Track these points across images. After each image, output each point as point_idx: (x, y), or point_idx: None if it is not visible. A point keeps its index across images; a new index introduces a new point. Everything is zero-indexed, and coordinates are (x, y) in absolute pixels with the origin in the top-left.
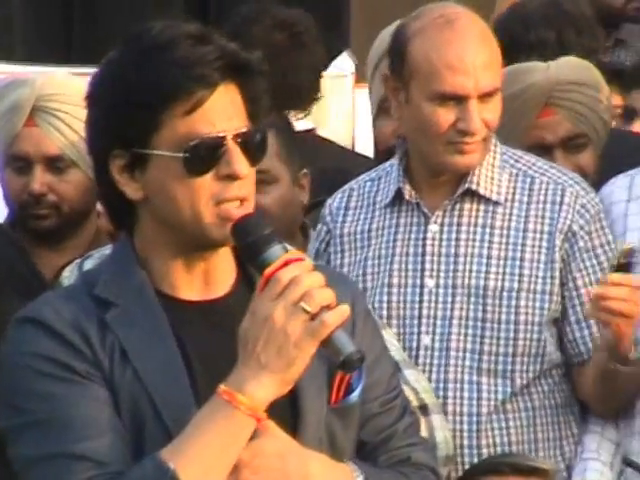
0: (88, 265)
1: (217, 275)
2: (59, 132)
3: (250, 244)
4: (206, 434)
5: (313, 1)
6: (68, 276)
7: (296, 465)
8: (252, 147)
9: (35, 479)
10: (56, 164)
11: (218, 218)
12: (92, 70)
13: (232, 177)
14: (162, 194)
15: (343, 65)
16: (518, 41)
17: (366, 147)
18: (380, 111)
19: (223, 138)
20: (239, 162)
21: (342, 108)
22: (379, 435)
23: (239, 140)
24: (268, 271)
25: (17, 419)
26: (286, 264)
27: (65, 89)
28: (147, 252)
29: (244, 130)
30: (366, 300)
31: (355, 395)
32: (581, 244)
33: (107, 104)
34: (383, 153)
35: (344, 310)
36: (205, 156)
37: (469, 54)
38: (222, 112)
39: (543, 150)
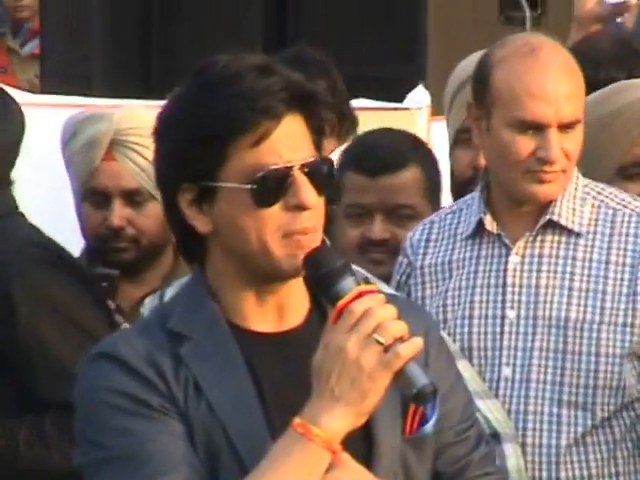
0: (169, 294)
1: (289, 307)
2: (137, 166)
3: (323, 276)
4: (281, 467)
5: (390, 34)
6: (149, 307)
7: None
8: (319, 177)
9: None
10: (134, 198)
11: (286, 250)
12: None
13: (300, 207)
14: (230, 226)
15: (418, 98)
16: (588, 80)
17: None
18: (457, 142)
19: (290, 168)
20: (307, 192)
21: None
22: (455, 465)
23: (306, 170)
24: (341, 303)
25: (94, 455)
26: (359, 296)
27: (143, 123)
28: (218, 284)
29: (311, 160)
30: (439, 329)
31: (430, 426)
32: None
33: (174, 138)
34: (460, 184)
35: (417, 342)
36: (272, 187)
37: (551, 83)
38: (288, 143)
39: None
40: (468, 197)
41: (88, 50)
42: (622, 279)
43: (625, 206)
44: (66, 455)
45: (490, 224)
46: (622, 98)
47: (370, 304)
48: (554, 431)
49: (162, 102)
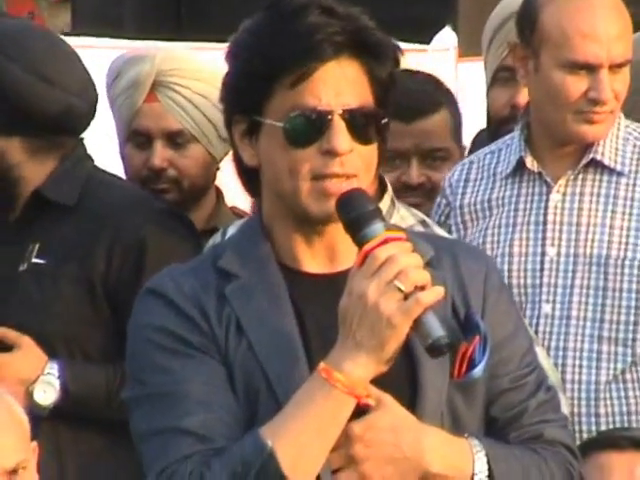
0: (230, 232)
1: (341, 249)
2: (180, 107)
3: (353, 219)
4: (304, 411)
5: None
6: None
7: (410, 439)
8: (361, 124)
9: (145, 452)
10: (176, 139)
11: (315, 193)
12: (202, 45)
13: (331, 153)
14: (269, 163)
15: (446, 39)
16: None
17: (469, 121)
18: (495, 81)
19: (329, 112)
20: (340, 138)
21: (445, 82)
22: (510, 411)
23: (347, 117)
24: (366, 248)
25: (135, 391)
26: (385, 242)
27: (185, 64)
28: (271, 224)
29: (353, 107)
30: (500, 274)
31: (479, 370)
32: None
33: (231, 70)
34: (498, 123)
35: (439, 291)
36: (305, 129)
37: (603, 23)
38: (331, 87)
39: None
40: (507, 137)
41: None
42: None
43: None
44: None
45: (531, 162)
46: None
47: (394, 251)
48: (593, 367)
49: (193, 43)
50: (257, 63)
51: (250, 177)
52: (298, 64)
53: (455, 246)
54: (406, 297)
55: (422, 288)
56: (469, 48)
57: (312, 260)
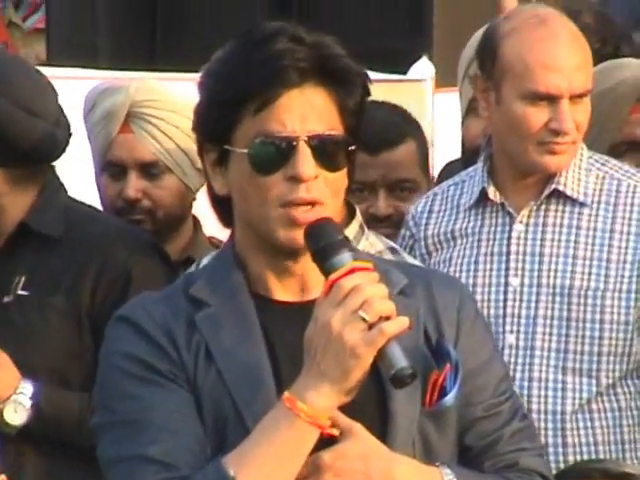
0: (205, 262)
1: (312, 278)
2: (153, 138)
3: (320, 249)
4: (267, 440)
5: (397, 5)
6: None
7: (380, 468)
8: (326, 152)
9: (111, 479)
10: (150, 170)
11: (282, 220)
12: (176, 75)
13: (296, 179)
14: (238, 192)
15: (422, 69)
16: None
17: (444, 151)
18: (469, 111)
19: (294, 139)
20: (305, 164)
21: (421, 112)
22: (484, 440)
23: (312, 143)
24: (332, 277)
25: (102, 418)
26: (351, 272)
27: (159, 95)
28: (243, 252)
29: (318, 133)
30: (476, 303)
31: (450, 398)
32: None
33: (201, 99)
34: (471, 153)
35: (403, 322)
36: (269, 155)
37: (563, 54)
38: (297, 113)
39: (633, 147)
40: (471, 169)
41: (94, 22)
42: (627, 247)
43: (629, 177)
44: None
45: (493, 193)
46: (614, 77)
47: (360, 281)
48: (559, 397)
49: (167, 74)
50: (223, 90)
51: (223, 207)
52: (263, 90)
53: (429, 274)
54: (370, 327)
55: (387, 318)
56: (444, 78)
57: (283, 289)
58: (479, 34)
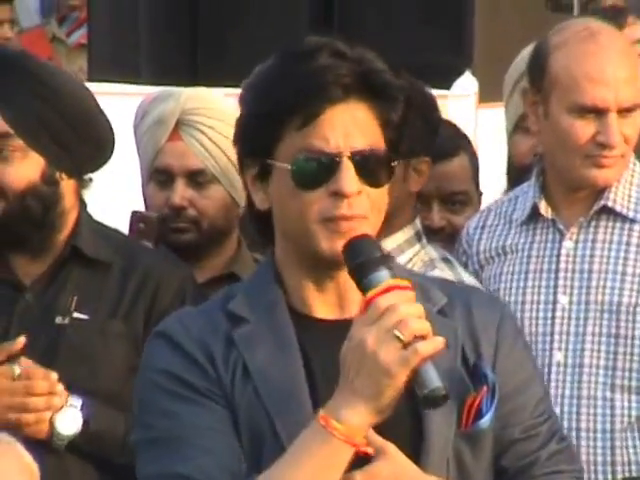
0: None
1: (351, 295)
2: (202, 146)
3: (358, 265)
4: (302, 459)
5: (438, 21)
6: None
7: None
8: (369, 167)
9: None
10: (197, 179)
11: (325, 234)
12: (218, 91)
13: (339, 194)
14: (279, 207)
15: (466, 85)
16: None
17: (487, 166)
18: (517, 128)
19: (337, 155)
20: (347, 180)
21: (465, 128)
22: (521, 461)
23: (356, 159)
24: (369, 295)
25: (142, 434)
26: (388, 290)
27: (209, 104)
28: (283, 268)
29: (361, 149)
30: (516, 321)
31: (486, 421)
32: None
33: (243, 113)
34: (519, 171)
35: (438, 342)
36: (312, 171)
37: (611, 67)
38: (340, 129)
39: None
40: (525, 185)
41: (136, 38)
42: None
43: None
44: None
45: (545, 209)
46: None
47: (395, 300)
48: (608, 415)
49: (210, 88)
50: (266, 105)
51: (262, 222)
52: (306, 105)
53: (470, 293)
54: (405, 347)
55: (422, 338)
56: (484, 94)
57: (322, 306)
58: (527, 50)
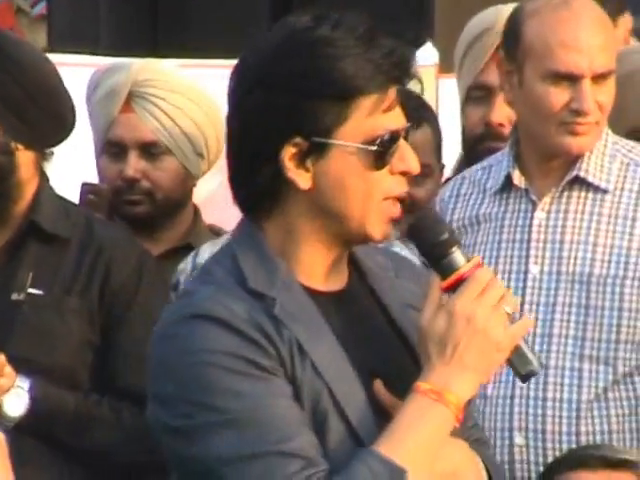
0: (204, 256)
1: (342, 267)
2: (155, 118)
3: (435, 244)
4: (419, 432)
5: None
6: (183, 269)
7: None
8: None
9: (239, 476)
10: (151, 150)
11: (381, 215)
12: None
13: (406, 173)
14: (336, 186)
15: (427, 55)
16: None
17: (449, 136)
18: (469, 99)
19: (400, 132)
20: (414, 158)
21: (426, 98)
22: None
23: (404, 136)
24: (463, 271)
25: (203, 417)
26: (478, 266)
27: (162, 75)
28: (288, 243)
29: (408, 126)
30: None
31: None
32: None
33: (292, 91)
34: (471, 141)
35: (530, 320)
36: (390, 150)
37: (585, 34)
38: (398, 108)
39: None
40: (499, 153)
41: (95, 10)
42: None
43: None
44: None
45: (518, 179)
46: (636, 63)
47: (490, 275)
48: (575, 385)
49: (169, 60)
50: (334, 86)
51: (265, 199)
52: (382, 90)
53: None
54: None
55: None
56: (445, 64)
57: (321, 278)
58: (474, 21)
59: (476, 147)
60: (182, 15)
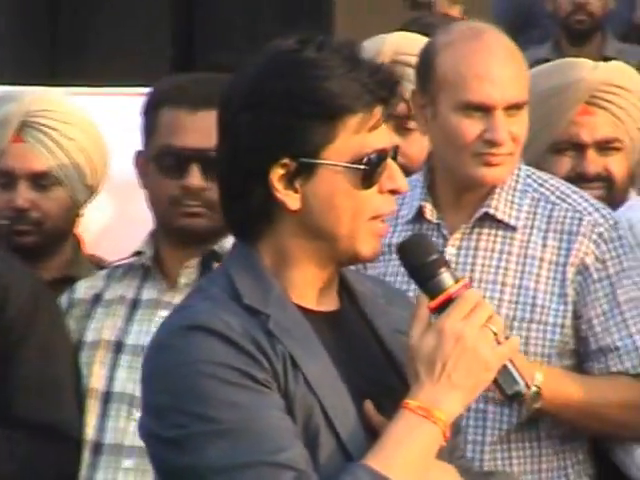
0: (80, 292)
1: (334, 288)
2: (46, 149)
3: (426, 264)
4: (407, 450)
5: (298, 22)
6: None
7: None
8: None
9: None
10: (41, 181)
11: (370, 234)
12: (77, 90)
13: (395, 191)
14: (325, 206)
15: None
16: None
17: None
18: None
19: (387, 151)
20: (402, 177)
21: None
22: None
23: (392, 155)
24: (452, 291)
25: (197, 427)
26: (466, 287)
27: (55, 106)
28: (281, 263)
29: (396, 145)
30: None
31: None
32: (595, 276)
33: (280, 111)
34: None
35: (517, 340)
36: (378, 169)
37: (497, 65)
38: (385, 127)
39: (575, 147)
40: (414, 178)
41: None
42: (555, 278)
43: (563, 200)
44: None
45: (430, 213)
46: (567, 75)
47: (480, 295)
48: (480, 427)
49: (68, 88)
50: (321, 105)
51: (257, 220)
52: (370, 108)
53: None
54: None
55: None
56: None
57: (313, 298)
58: (365, 45)
59: None
60: (81, 44)
